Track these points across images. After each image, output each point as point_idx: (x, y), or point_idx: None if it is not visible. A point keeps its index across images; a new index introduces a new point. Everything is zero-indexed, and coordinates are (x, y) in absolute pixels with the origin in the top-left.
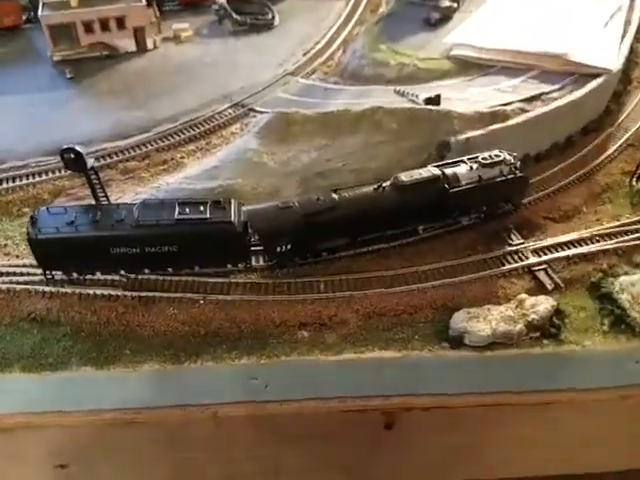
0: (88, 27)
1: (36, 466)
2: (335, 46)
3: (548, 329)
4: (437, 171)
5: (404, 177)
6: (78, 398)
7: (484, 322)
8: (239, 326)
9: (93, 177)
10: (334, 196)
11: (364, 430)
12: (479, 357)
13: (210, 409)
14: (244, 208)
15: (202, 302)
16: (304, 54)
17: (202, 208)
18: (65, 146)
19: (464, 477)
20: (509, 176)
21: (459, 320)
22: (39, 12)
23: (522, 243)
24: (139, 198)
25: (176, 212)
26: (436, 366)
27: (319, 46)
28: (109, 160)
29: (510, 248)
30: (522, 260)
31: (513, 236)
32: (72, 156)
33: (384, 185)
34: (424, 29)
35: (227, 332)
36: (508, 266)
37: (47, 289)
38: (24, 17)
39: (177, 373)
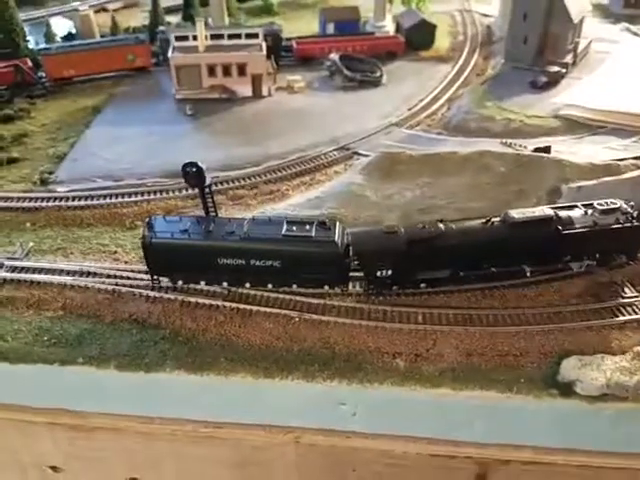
0: (212, 70)
1: (109, 475)
2: (439, 104)
3: None
4: (550, 211)
5: (515, 214)
6: (166, 403)
7: (597, 371)
8: (332, 347)
9: (207, 194)
10: (440, 225)
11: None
12: (590, 408)
13: (293, 433)
14: (348, 230)
15: (297, 320)
16: (409, 109)
17: (308, 227)
18: (188, 160)
19: None
20: (626, 224)
21: (570, 367)
22: (169, 54)
23: (637, 296)
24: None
25: (284, 229)
26: (540, 414)
27: (423, 103)
28: (220, 187)
29: (623, 300)
30: (637, 313)
31: (626, 289)
32: (193, 170)
33: (493, 220)
34: (530, 91)
35: (320, 352)
36: (622, 317)
37: (151, 293)
38: (153, 60)
39: (267, 388)
